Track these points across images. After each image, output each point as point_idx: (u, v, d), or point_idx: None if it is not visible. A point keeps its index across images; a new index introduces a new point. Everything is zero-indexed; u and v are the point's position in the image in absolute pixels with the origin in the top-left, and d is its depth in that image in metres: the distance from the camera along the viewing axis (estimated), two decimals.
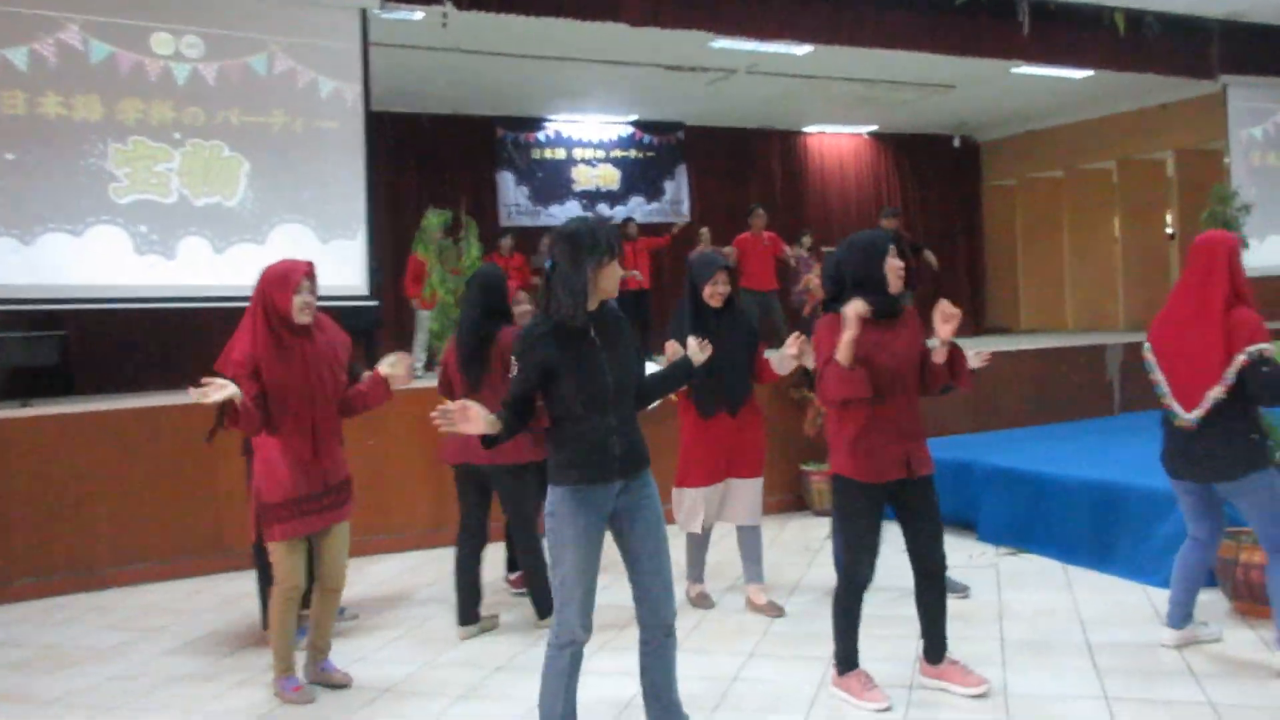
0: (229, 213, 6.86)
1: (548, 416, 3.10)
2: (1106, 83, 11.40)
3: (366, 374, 4.02)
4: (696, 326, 4.47)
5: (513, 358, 3.09)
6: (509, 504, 4.64)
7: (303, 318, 3.78)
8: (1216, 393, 3.67)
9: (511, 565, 5.38)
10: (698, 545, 4.98)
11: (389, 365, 4.00)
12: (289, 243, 6.90)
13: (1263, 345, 3.63)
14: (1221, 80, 10.35)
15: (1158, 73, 10.14)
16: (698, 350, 3.42)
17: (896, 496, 3.60)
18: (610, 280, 3.07)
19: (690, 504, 4.79)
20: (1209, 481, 3.80)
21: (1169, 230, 13.66)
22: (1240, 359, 3.62)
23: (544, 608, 4.59)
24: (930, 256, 10.30)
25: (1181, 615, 4.07)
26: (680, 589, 5.01)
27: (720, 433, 4.72)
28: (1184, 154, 12.83)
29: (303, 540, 3.87)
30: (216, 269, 6.80)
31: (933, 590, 3.70)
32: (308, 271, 3.84)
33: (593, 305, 3.04)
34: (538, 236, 11.47)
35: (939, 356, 3.59)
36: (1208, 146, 12.06)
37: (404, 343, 9.62)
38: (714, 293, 4.63)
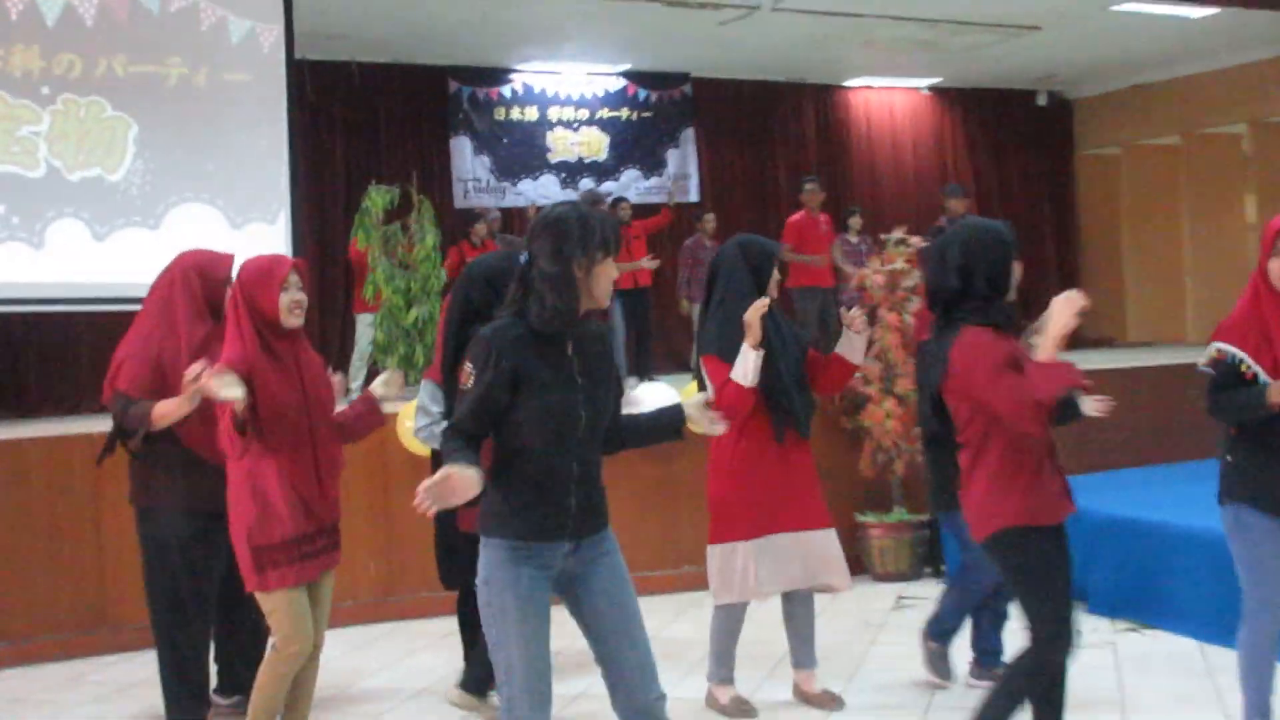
0: (112, 189, 6.90)
1: (491, 450, 3.17)
2: (1235, 22, 11.57)
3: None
4: (770, 330, 4.55)
5: (468, 365, 3.11)
6: None
7: (292, 320, 3.97)
8: None
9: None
10: (731, 627, 4.89)
11: (383, 384, 4.18)
12: (191, 227, 6.96)
13: None
14: None
15: None
16: (703, 413, 3.38)
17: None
18: (604, 284, 3.14)
19: (742, 564, 4.70)
20: None
21: None
22: None
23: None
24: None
25: None
26: (693, 687, 5.03)
27: (768, 467, 4.71)
28: None
29: (303, 591, 3.97)
30: (96, 261, 6.84)
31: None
32: (296, 265, 4.04)
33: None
34: (507, 222, 11.54)
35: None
36: None
37: (333, 355, 9.66)
38: (776, 283, 4.71)
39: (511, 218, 12.16)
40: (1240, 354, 3.91)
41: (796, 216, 10.54)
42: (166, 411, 4.22)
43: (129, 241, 6.89)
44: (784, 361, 4.62)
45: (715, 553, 4.77)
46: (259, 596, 3.94)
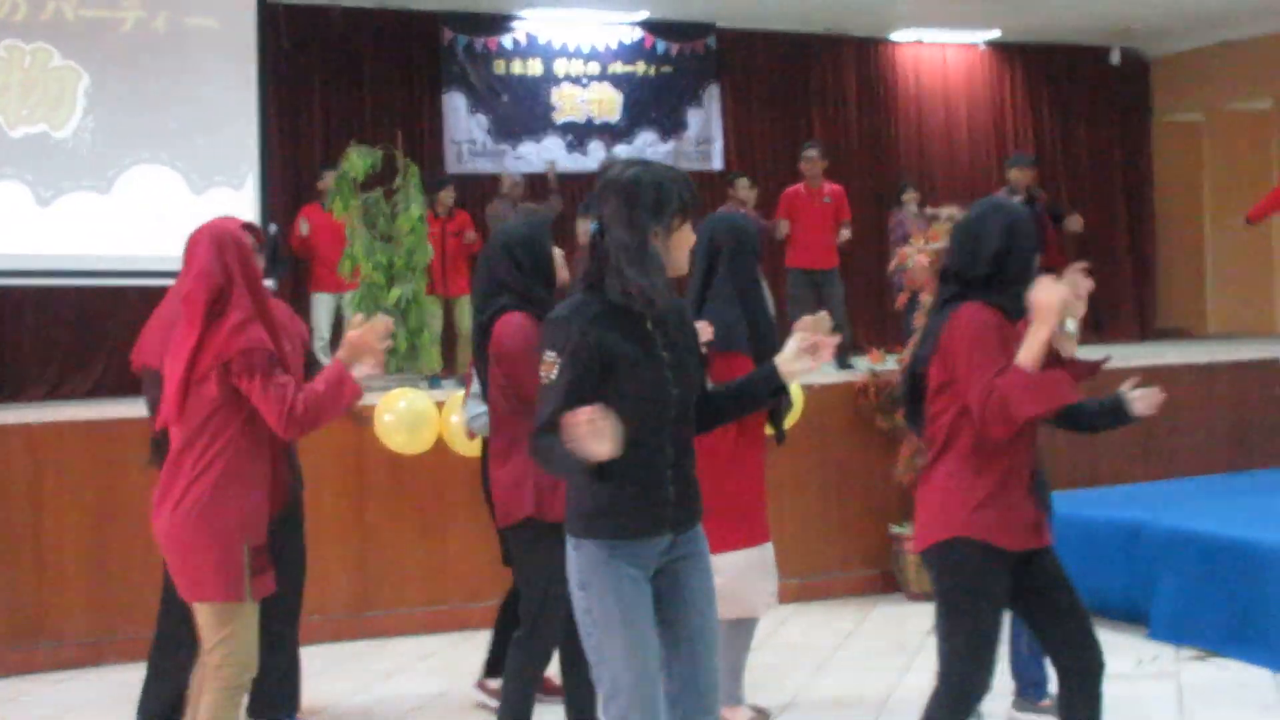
0: (59, 147, 6.96)
1: None
2: None
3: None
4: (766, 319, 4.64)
5: (548, 353, 3.15)
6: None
7: None
8: None
9: (492, 668, 5.41)
10: (746, 640, 5.00)
11: (351, 351, 3.96)
12: (147, 192, 7.01)
13: None
14: None
15: None
16: (800, 354, 3.28)
17: (1018, 574, 3.72)
18: (682, 250, 3.21)
19: (765, 570, 4.86)
20: None
21: None
22: None
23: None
24: (1075, 222, 10.38)
25: None
26: None
27: (760, 466, 4.93)
28: None
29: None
30: (40, 227, 6.89)
31: (1089, 702, 3.77)
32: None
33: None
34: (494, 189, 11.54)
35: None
36: None
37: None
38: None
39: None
40: None
41: (794, 189, 10.50)
42: None
43: (77, 206, 6.93)
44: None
45: (755, 557, 4.82)
46: (227, 610, 3.83)
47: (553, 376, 3.11)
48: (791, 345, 3.28)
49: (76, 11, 7.02)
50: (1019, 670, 5.09)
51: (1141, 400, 3.89)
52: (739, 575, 4.76)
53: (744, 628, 4.94)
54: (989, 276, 3.74)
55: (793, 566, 7.06)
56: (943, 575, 3.76)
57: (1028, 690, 5.07)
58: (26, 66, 6.93)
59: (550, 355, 3.13)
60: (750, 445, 4.83)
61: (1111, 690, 5.17)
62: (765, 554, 4.87)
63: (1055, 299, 3.53)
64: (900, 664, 5.93)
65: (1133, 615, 6.25)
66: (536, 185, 11.81)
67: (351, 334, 3.95)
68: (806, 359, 3.25)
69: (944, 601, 3.74)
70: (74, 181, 7.00)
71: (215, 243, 3.93)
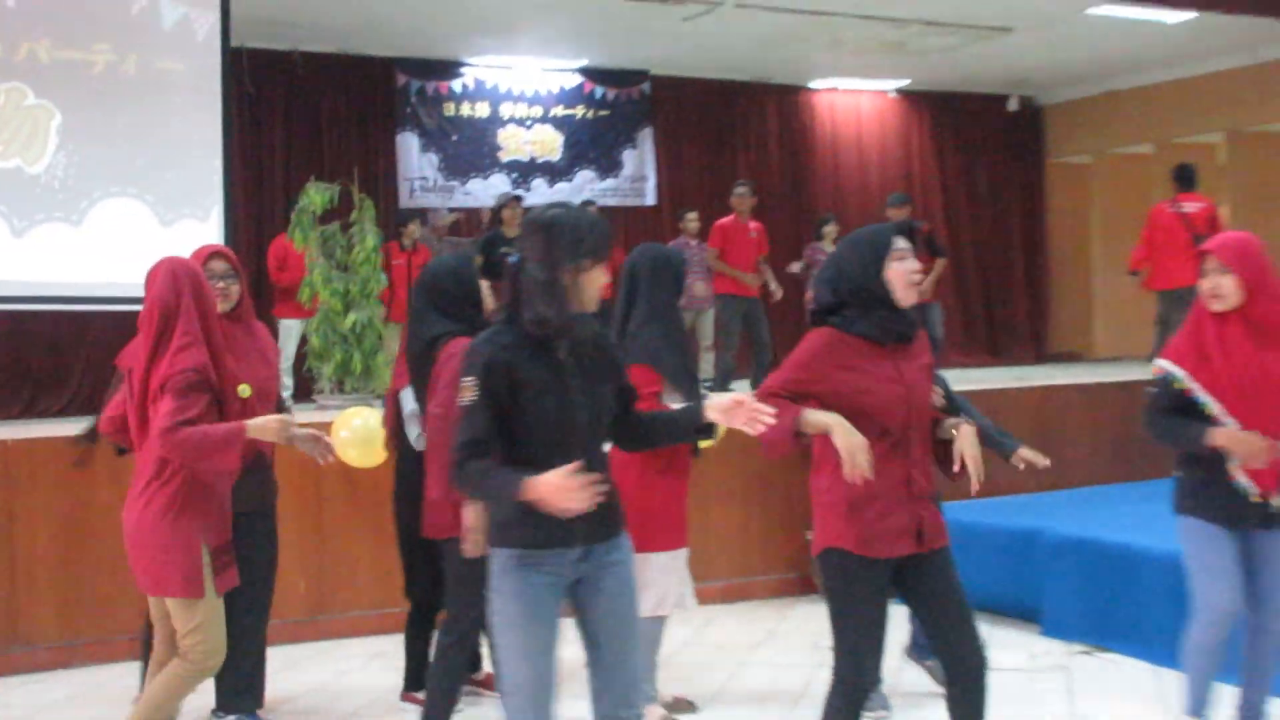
0: (32, 181, 6.87)
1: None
2: (1212, 28, 11.74)
3: None
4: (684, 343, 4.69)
5: (465, 378, 3.18)
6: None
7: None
8: None
9: (474, 665, 5.44)
10: (656, 640, 5.01)
11: (306, 443, 4.26)
12: (116, 224, 6.93)
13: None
14: None
15: None
16: (730, 410, 3.26)
17: (905, 577, 3.71)
18: (593, 289, 3.22)
19: (678, 573, 4.90)
20: None
21: None
22: None
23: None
24: (940, 265, 10.52)
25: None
26: None
27: (685, 479, 4.96)
28: None
29: None
30: (14, 257, 6.79)
31: (972, 701, 3.73)
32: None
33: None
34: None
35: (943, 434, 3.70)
36: None
37: None
38: (688, 298, 4.81)
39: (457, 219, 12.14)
40: (1176, 371, 4.12)
41: (724, 221, 10.58)
42: None
43: (49, 237, 6.84)
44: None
45: (664, 561, 4.83)
46: (193, 604, 3.92)
47: (471, 400, 3.15)
48: (727, 397, 3.31)
49: (50, 54, 6.94)
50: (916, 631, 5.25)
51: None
52: (655, 575, 4.80)
53: (654, 626, 4.93)
54: (838, 305, 3.73)
55: (719, 570, 7.12)
56: (825, 581, 3.80)
57: (918, 651, 5.30)
58: (1, 105, 6.83)
59: (468, 380, 3.16)
60: (671, 462, 4.84)
61: (1007, 682, 5.27)
62: (677, 559, 4.90)
63: (849, 446, 3.43)
64: (816, 660, 5.91)
65: (1027, 614, 6.35)
66: (474, 221, 11.87)
67: (313, 444, 4.21)
68: (739, 415, 3.23)
69: (829, 604, 3.77)
70: (47, 214, 6.90)
71: (169, 273, 4.03)
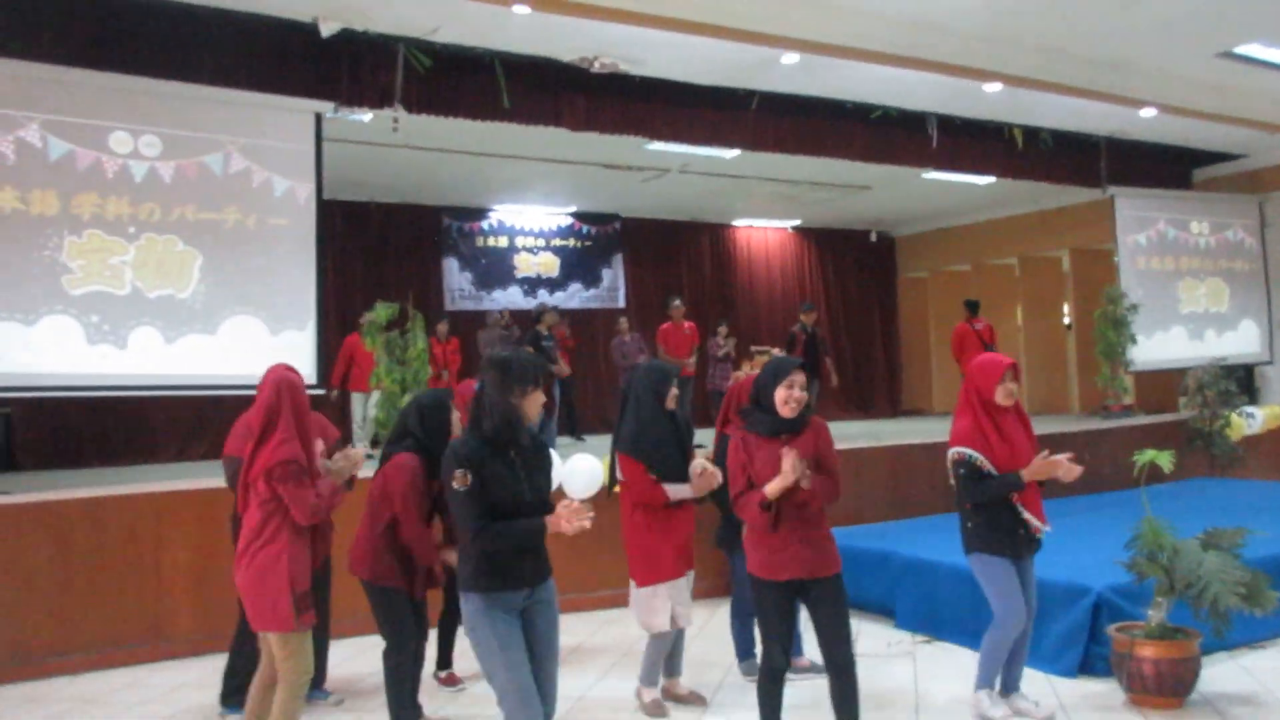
0: (181, 304, 6.79)
1: (459, 530, 3.23)
2: (1008, 188, 11.95)
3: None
4: (668, 433, 4.53)
5: (457, 472, 3.14)
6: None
7: None
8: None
9: (442, 662, 5.24)
10: (661, 646, 4.71)
11: (342, 457, 4.06)
12: (240, 334, 6.86)
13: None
14: (1109, 190, 10.94)
15: (1051, 182, 10.76)
16: (568, 519, 3.24)
17: (803, 594, 3.72)
18: (533, 407, 3.25)
19: (662, 601, 4.52)
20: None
21: (1066, 320, 14.25)
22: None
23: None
24: (829, 364, 10.57)
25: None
26: (619, 684, 5.02)
27: (680, 523, 4.58)
28: (1078, 253, 13.43)
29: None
30: (167, 359, 6.71)
31: (842, 685, 3.72)
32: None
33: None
34: (479, 321, 11.50)
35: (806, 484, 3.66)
36: (1100, 246, 12.64)
37: (348, 428, 9.54)
38: (674, 397, 4.63)
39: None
40: (976, 455, 4.13)
41: (666, 325, 10.69)
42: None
43: (192, 344, 6.76)
44: (687, 446, 4.66)
45: (647, 593, 4.54)
46: (286, 637, 3.72)
47: (468, 486, 3.15)
48: (562, 510, 3.23)
49: (195, 215, 6.93)
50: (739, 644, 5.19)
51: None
52: (636, 602, 4.60)
53: (662, 639, 4.67)
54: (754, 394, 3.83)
55: (719, 570, 6.77)
56: (753, 599, 3.80)
57: (744, 656, 5.18)
58: (160, 251, 6.79)
59: (459, 471, 3.15)
60: (647, 515, 4.50)
61: (870, 666, 5.23)
62: (657, 591, 4.50)
63: (788, 467, 3.55)
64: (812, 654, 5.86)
65: (886, 611, 6.30)
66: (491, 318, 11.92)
67: (338, 461, 4.03)
68: (577, 524, 3.20)
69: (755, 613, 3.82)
70: (190, 327, 6.82)
71: (274, 382, 3.87)
